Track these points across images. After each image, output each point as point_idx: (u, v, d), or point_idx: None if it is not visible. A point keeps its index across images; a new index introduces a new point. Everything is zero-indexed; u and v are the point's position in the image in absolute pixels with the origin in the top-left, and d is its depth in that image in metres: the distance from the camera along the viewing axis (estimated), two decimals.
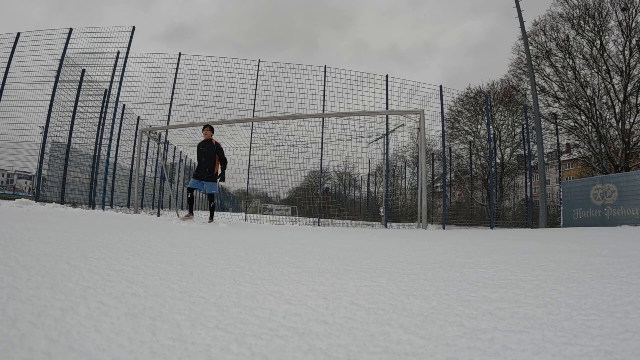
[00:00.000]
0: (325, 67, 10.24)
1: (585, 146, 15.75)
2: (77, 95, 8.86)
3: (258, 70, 10.10)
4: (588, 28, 15.47)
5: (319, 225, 8.80)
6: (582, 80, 15.78)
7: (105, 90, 9.41)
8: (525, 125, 11.70)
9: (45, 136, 8.42)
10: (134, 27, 9.08)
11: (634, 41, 14.64)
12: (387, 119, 9.69)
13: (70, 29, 8.96)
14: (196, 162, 5.77)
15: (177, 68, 9.89)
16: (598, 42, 15.27)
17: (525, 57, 10.73)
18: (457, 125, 18.73)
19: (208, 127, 5.86)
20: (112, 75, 9.24)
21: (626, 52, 14.88)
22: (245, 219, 8.83)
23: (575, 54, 15.84)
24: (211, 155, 5.66)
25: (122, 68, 9.12)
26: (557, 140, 12.88)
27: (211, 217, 5.55)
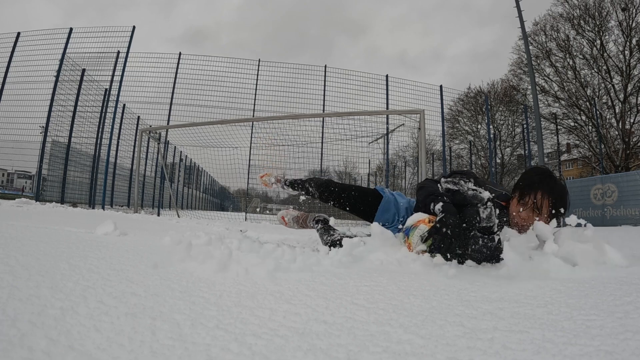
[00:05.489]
0: (325, 67, 10.24)
1: (586, 146, 15.76)
2: (77, 95, 8.86)
3: (258, 70, 10.10)
4: (588, 28, 15.47)
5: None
6: (582, 80, 15.78)
7: (106, 90, 9.41)
8: (525, 125, 11.69)
9: (45, 136, 8.42)
10: (134, 27, 9.08)
11: (634, 41, 14.64)
12: (387, 119, 9.68)
13: (71, 29, 8.96)
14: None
15: (177, 68, 9.90)
16: (598, 42, 15.27)
17: (526, 57, 10.73)
18: (457, 125, 18.75)
19: None
20: (112, 75, 9.24)
21: (626, 52, 14.88)
22: (245, 218, 8.83)
23: (575, 54, 15.85)
24: None
25: (122, 68, 9.11)
26: (557, 140, 12.88)
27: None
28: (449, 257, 1.28)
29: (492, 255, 1.28)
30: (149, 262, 1.01)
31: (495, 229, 1.26)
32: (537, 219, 1.40)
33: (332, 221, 2.03)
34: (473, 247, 1.26)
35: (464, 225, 1.25)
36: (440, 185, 1.33)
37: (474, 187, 1.23)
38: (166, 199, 12.09)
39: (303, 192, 2.16)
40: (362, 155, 10.17)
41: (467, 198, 1.24)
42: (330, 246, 1.51)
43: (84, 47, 9.15)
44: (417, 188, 1.64)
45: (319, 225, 1.91)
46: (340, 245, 1.50)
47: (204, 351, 0.48)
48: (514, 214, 1.44)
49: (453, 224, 1.25)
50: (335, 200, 1.94)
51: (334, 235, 1.70)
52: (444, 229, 1.25)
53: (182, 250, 1.12)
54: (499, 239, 1.27)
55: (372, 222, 1.61)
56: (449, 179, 1.31)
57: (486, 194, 1.21)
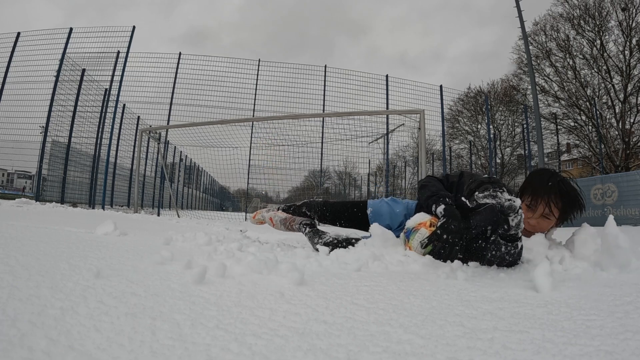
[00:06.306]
0: (325, 67, 10.24)
1: (585, 146, 15.77)
2: (77, 95, 8.86)
3: (258, 70, 10.11)
4: (588, 28, 15.47)
5: (318, 224, 8.78)
6: (582, 80, 15.78)
7: (106, 90, 9.41)
8: (525, 125, 11.70)
9: (45, 136, 8.42)
10: (134, 27, 9.08)
11: (634, 41, 14.64)
12: (387, 118, 9.68)
13: (71, 29, 8.96)
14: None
15: (177, 68, 9.90)
16: (598, 42, 15.27)
17: (526, 56, 10.73)
18: (457, 125, 18.76)
19: None
20: (112, 75, 9.24)
21: (626, 52, 14.88)
22: (245, 218, 8.83)
23: (575, 53, 15.85)
24: None
25: (122, 68, 9.11)
26: (557, 140, 12.89)
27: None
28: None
29: (513, 261, 1.25)
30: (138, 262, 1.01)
31: (520, 235, 1.22)
32: (550, 225, 1.39)
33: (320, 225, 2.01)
34: (494, 252, 1.21)
35: (488, 230, 1.20)
36: (476, 199, 1.25)
37: (509, 197, 1.18)
38: (166, 199, 12.09)
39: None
40: (362, 155, 10.18)
41: (503, 209, 1.18)
42: (330, 247, 1.51)
43: (84, 47, 9.16)
44: (419, 187, 1.59)
45: (307, 229, 1.87)
46: (343, 246, 1.50)
47: (204, 351, 0.48)
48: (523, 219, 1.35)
49: (455, 231, 1.21)
50: (335, 221, 1.99)
51: (324, 237, 1.67)
52: (445, 235, 1.21)
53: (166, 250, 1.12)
54: (522, 245, 1.24)
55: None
56: (486, 193, 1.23)
57: (519, 202, 1.18)
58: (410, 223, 1.41)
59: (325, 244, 1.56)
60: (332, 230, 1.79)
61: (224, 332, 0.55)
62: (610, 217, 1.21)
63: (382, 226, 1.51)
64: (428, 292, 0.88)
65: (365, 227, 1.89)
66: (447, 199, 1.35)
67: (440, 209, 1.31)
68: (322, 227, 1.93)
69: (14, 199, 6.02)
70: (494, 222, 1.19)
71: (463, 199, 1.30)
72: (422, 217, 1.40)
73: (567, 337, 0.58)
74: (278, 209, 2.27)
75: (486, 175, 1.34)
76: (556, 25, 16.21)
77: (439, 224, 1.27)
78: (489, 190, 1.22)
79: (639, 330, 0.61)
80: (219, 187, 23.63)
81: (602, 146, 13.92)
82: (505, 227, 1.17)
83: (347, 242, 1.52)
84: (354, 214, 1.93)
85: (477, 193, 1.24)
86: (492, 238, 1.21)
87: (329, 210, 2.02)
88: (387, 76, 10.27)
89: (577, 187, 1.41)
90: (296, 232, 1.99)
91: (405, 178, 16.22)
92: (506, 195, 1.19)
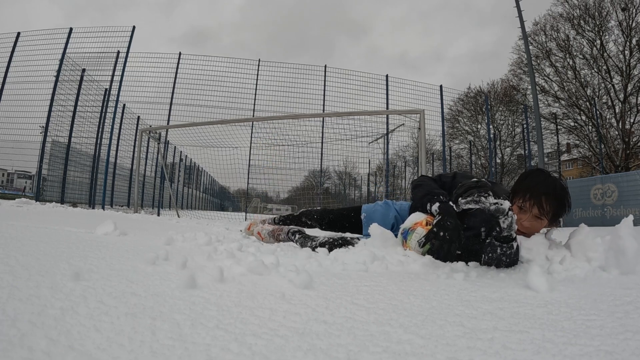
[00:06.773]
0: (325, 67, 10.24)
1: (585, 146, 15.78)
2: (77, 95, 8.86)
3: (258, 70, 10.10)
4: (588, 28, 15.48)
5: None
6: (582, 80, 15.79)
7: (106, 90, 9.41)
8: (525, 125, 11.70)
9: (45, 136, 8.42)
10: (134, 27, 9.08)
11: (634, 41, 14.64)
12: (387, 118, 9.68)
13: (70, 29, 8.96)
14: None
15: (177, 68, 9.90)
16: (598, 42, 15.28)
17: (526, 57, 10.73)
18: (457, 125, 18.78)
19: None
20: (112, 75, 9.24)
21: (626, 52, 14.90)
22: (245, 218, 8.82)
23: (575, 53, 15.86)
24: None
25: (122, 68, 9.11)
26: (557, 140, 12.89)
27: None
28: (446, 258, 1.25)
29: (511, 262, 1.25)
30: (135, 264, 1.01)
31: (514, 236, 1.22)
32: (543, 226, 1.40)
33: (309, 231, 2.01)
34: (490, 255, 1.22)
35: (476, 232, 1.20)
36: (459, 205, 1.25)
37: (495, 201, 1.17)
38: (166, 199, 12.09)
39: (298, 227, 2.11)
40: (362, 155, 10.19)
41: (490, 213, 1.17)
42: (328, 247, 1.51)
43: (84, 47, 9.16)
44: (413, 186, 1.60)
45: (297, 236, 1.85)
46: (341, 245, 1.50)
47: (204, 351, 0.48)
48: (518, 221, 1.34)
49: (451, 227, 1.22)
50: (335, 227, 2.07)
51: (317, 240, 1.66)
52: (442, 233, 1.22)
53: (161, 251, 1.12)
54: (517, 245, 1.24)
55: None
56: (469, 199, 1.22)
57: (507, 204, 1.17)
58: (407, 223, 1.42)
59: (321, 245, 1.56)
60: (324, 235, 1.79)
61: (224, 332, 0.55)
62: (629, 218, 1.17)
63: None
64: (428, 292, 0.88)
65: (360, 231, 1.96)
66: (441, 197, 1.36)
67: (435, 206, 1.32)
68: (310, 232, 1.93)
69: (14, 199, 6.01)
70: (487, 224, 1.19)
71: (450, 203, 1.31)
72: (418, 217, 1.41)
73: (567, 337, 0.58)
74: (274, 220, 2.27)
75: (475, 179, 1.34)
76: (556, 25, 16.22)
77: (434, 221, 1.28)
78: (473, 196, 1.22)
79: (639, 330, 0.61)
80: (219, 187, 23.63)
81: (602, 146, 13.92)
82: (497, 229, 1.18)
83: (346, 242, 1.52)
84: (352, 219, 1.99)
85: (460, 199, 1.24)
86: (487, 240, 1.22)
87: (328, 217, 2.08)
88: (387, 76, 10.27)
89: (565, 186, 1.42)
90: (284, 242, 1.97)
91: (405, 178, 16.22)
92: (491, 200, 1.18)
